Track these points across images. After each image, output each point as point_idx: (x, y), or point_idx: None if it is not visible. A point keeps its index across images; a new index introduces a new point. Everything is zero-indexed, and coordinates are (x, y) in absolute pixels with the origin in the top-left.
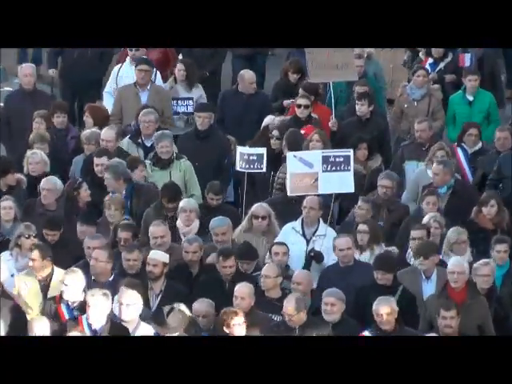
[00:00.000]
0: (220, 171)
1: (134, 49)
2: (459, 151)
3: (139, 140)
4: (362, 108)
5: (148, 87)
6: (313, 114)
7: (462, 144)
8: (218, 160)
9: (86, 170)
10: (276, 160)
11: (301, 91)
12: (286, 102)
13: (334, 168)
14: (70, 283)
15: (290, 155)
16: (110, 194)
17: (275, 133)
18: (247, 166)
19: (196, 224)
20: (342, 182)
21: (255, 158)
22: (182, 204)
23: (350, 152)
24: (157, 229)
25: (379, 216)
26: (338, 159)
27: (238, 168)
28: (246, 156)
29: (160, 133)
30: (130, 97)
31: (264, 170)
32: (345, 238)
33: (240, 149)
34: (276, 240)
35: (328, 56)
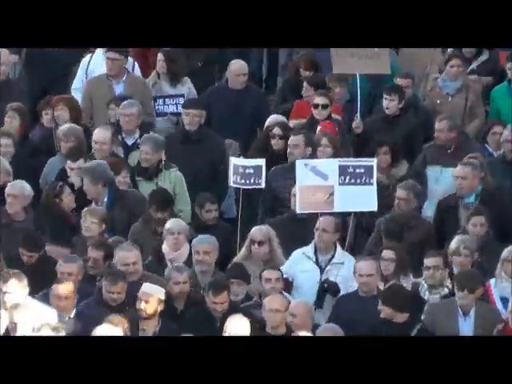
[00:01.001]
0: (214, 181)
1: None
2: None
3: (119, 137)
4: (390, 104)
5: (123, 78)
6: (333, 115)
7: (486, 145)
8: (213, 167)
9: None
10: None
11: (305, 84)
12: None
13: (353, 181)
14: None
15: (299, 163)
16: (93, 205)
17: (276, 131)
18: (243, 182)
19: (186, 248)
20: (363, 199)
21: (252, 171)
22: (168, 225)
23: (374, 162)
24: (127, 254)
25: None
26: (358, 170)
27: (231, 184)
28: (242, 169)
29: (145, 136)
30: (102, 90)
31: (263, 185)
32: (367, 262)
33: (234, 160)
34: (282, 268)
35: None
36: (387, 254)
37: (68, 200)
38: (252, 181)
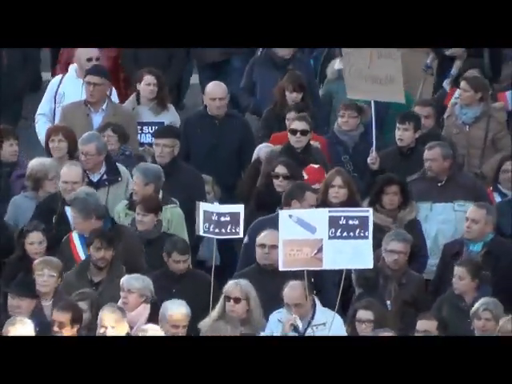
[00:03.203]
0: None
1: (86, 58)
2: (495, 196)
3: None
4: (404, 134)
5: (103, 106)
6: (312, 142)
7: (498, 185)
8: (187, 208)
9: (45, 213)
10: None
11: (291, 114)
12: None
13: (345, 234)
14: None
15: (283, 215)
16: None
17: (280, 169)
18: (216, 231)
19: (144, 310)
20: (357, 254)
21: (228, 218)
22: (122, 280)
23: (369, 212)
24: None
25: (386, 291)
26: (351, 222)
27: (200, 233)
28: (215, 216)
29: (138, 165)
30: (79, 118)
31: (241, 235)
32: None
33: (203, 206)
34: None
35: (370, 63)
36: (364, 314)
37: (37, 248)
38: (228, 230)
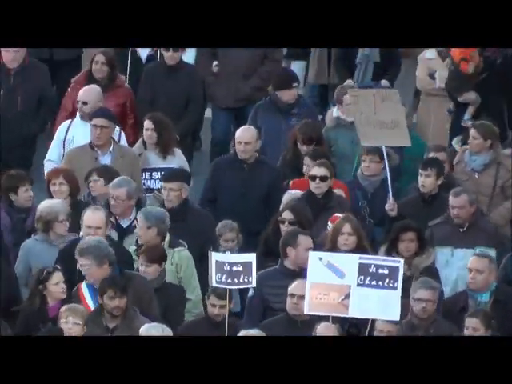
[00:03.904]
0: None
1: (81, 101)
2: None
3: (111, 218)
4: (427, 181)
5: (110, 149)
6: (336, 190)
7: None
8: (200, 252)
9: (67, 258)
10: None
11: (307, 160)
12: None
13: (374, 283)
14: None
15: (313, 257)
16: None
17: (287, 215)
18: (229, 281)
19: None
20: (384, 305)
21: (240, 268)
22: (141, 330)
23: (400, 263)
24: None
25: None
26: (381, 271)
27: (213, 283)
28: (227, 266)
29: (141, 210)
30: (85, 162)
31: (254, 284)
32: None
33: (216, 256)
34: None
35: (375, 108)
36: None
37: (58, 289)
38: (241, 280)
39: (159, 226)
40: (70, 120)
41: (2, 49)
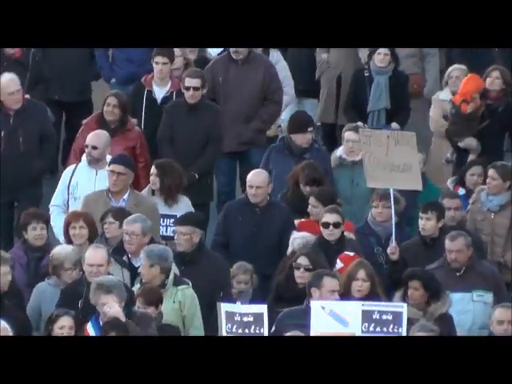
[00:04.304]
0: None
1: (90, 146)
2: None
3: (124, 258)
4: (427, 224)
5: (125, 196)
6: (346, 233)
7: None
8: (211, 297)
9: (70, 298)
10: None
11: (312, 200)
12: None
13: (378, 329)
14: None
15: (315, 306)
16: None
17: (303, 261)
18: (240, 332)
19: None
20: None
21: (251, 319)
22: None
23: (403, 308)
24: None
25: None
26: (384, 317)
27: (223, 334)
28: (238, 317)
29: (145, 247)
30: (100, 208)
31: (266, 333)
32: None
33: (225, 307)
34: None
35: (387, 150)
36: None
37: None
38: (252, 330)
39: (162, 264)
40: (74, 165)
41: (3, 92)
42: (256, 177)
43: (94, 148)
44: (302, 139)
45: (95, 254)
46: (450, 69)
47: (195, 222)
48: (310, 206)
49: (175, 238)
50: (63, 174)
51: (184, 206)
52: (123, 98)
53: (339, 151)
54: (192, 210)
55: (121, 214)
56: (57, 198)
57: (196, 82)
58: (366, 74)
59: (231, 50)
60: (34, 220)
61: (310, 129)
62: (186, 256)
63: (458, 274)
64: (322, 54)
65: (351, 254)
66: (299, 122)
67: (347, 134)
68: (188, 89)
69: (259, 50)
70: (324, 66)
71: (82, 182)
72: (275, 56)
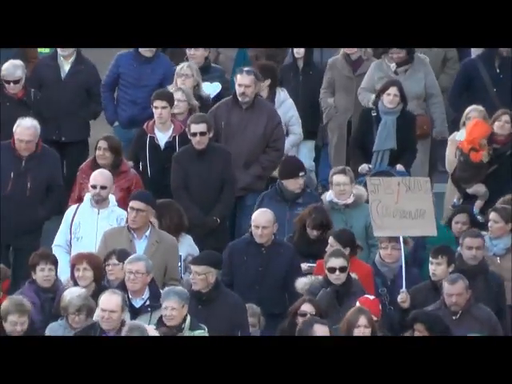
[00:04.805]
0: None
1: (99, 186)
2: None
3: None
4: (438, 269)
5: (147, 232)
6: (352, 274)
7: None
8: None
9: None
10: None
11: (332, 240)
12: (304, 267)
13: None
14: None
15: None
16: None
17: (307, 308)
18: None
19: None
20: None
21: None
22: None
23: None
24: None
25: None
26: None
27: None
28: None
29: (167, 289)
30: (121, 244)
31: None
32: None
33: None
34: None
35: (397, 198)
36: None
37: None
38: None
39: (188, 305)
40: (77, 205)
41: (17, 137)
42: (262, 217)
43: (103, 188)
44: (293, 184)
45: (110, 300)
46: (468, 109)
47: (210, 262)
48: (328, 246)
49: (191, 277)
50: (65, 213)
51: (186, 245)
52: (114, 141)
53: (329, 195)
54: (195, 249)
55: (124, 256)
56: (59, 238)
57: (202, 127)
58: (374, 114)
59: (238, 93)
60: (42, 261)
61: (301, 173)
62: (202, 296)
63: (454, 317)
64: (327, 99)
65: (371, 297)
66: (290, 168)
67: (335, 177)
68: (194, 135)
69: (264, 93)
70: (332, 111)
71: (85, 221)
72: (282, 95)
